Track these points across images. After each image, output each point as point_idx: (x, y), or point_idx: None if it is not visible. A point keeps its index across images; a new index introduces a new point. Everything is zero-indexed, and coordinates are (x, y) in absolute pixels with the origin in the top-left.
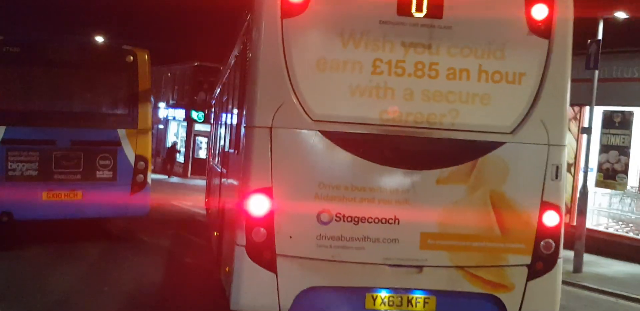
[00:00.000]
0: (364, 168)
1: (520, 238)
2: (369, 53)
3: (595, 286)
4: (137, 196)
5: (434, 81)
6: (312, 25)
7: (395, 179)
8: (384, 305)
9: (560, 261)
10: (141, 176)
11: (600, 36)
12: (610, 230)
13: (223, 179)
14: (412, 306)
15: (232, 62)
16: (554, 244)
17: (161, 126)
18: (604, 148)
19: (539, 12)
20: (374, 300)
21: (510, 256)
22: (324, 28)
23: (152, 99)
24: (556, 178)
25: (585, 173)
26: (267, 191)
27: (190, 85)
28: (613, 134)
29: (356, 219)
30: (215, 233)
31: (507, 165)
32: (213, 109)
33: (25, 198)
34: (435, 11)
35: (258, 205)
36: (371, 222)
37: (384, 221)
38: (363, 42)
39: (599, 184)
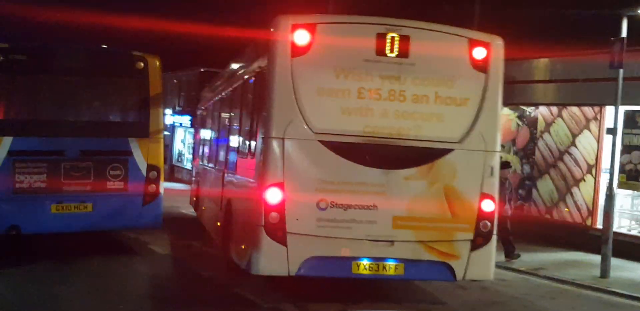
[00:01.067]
0: (351, 168)
1: (465, 220)
2: (355, 83)
3: (626, 292)
4: (149, 207)
5: (403, 104)
6: (314, 62)
7: (374, 176)
8: (366, 270)
9: (494, 237)
10: (153, 186)
11: (624, 34)
12: (634, 232)
13: (231, 178)
14: (386, 270)
15: (240, 83)
16: (489, 224)
17: (167, 133)
18: (627, 149)
19: (479, 53)
20: (358, 266)
21: (458, 233)
22: (322, 64)
23: (163, 107)
24: (491, 175)
25: (611, 174)
26: (280, 185)
27: (196, 91)
28: (636, 135)
29: (345, 206)
30: (219, 224)
31: (456, 166)
32: (206, 119)
33: (33, 210)
34: (404, 52)
35: (273, 195)
36: (356, 208)
37: (365, 207)
38: (351, 75)
39: (621, 185)
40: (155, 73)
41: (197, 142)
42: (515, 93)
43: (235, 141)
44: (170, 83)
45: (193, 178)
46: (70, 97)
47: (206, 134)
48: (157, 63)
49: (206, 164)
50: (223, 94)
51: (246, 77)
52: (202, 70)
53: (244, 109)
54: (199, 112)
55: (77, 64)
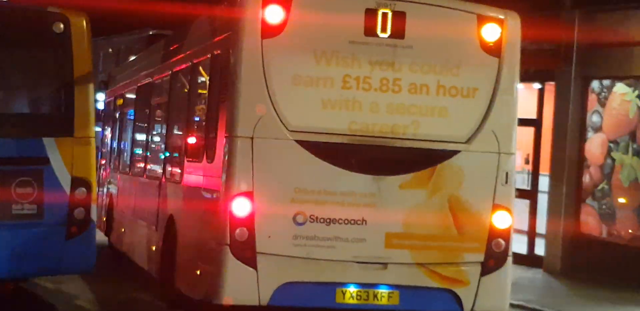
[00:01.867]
0: (335, 174)
1: (474, 238)
2: (339, 70)
3: None
4: (76, 241)
5: (397, 95)
6: (289, 45)
7: (363, 184)
8: (352, 298)
9: (509, 259)
10: (81, 209)
11: None
12: None
13: (174, 189)
14: (378, 300)
15: (187, 67)
16: (504, 243)
17: (99, 129)
18: None
19: (491, 33)
20: (344, 294)
21: (465, 254)
22: (299, 47)
23: (94, 90)
24: (506, 183)
25: None
26: (249, 195)
27: None
28: None
29: (328, 220)
30: (154, 248)
31: (463, 171)
32: (124, 110)
33: None
34: (398, 32)
35: (241, 207)
36: (341, 223)
37: (352, 222)
38: (334, 60)
39: None
40: (81, 39)
41: (107, 144)
42: (635, 60)
43: (178, 141)
44: (104, 53)
45: (99, 191)
46: None
47: (125, 132)
48: (85, 24)
49: (125, 173)
50: (156, 78)
51: (198, 59)
52: (150, 33)
53: (195, 101)
54: (108, 100)
55: None
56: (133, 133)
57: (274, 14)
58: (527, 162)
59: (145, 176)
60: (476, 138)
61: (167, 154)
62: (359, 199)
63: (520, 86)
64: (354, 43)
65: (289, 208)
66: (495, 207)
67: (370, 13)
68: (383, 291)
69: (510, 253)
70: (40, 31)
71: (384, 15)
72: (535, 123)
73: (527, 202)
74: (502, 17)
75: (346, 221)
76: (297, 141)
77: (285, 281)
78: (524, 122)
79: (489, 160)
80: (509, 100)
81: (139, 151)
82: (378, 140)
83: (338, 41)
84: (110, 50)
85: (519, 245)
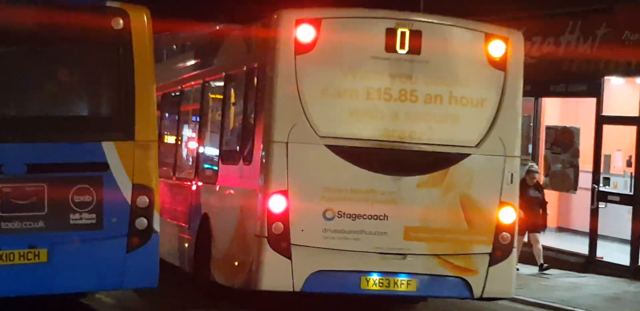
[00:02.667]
0: (359, 174)
1: (483, 231)
2: (364, 82)
3: None
4: (138, 254)
5: (415, 105)
6: (319, 61)
7: (384, 183)
8: (375, 285)
9: (514, 250)
10: (143, 219)
11: None
12: None
13: (208, 189)
14: (398, 286)
15: (224, 78)
16: (509, 236)
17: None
18: None
19: (497, 49)
20: (367, 281)
21: (475, 246)
22: (328, 63)
23: (155, 91)
24: (511, 182)
25: None
26: (284, 193)
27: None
28: None
29: (353, 215)
30: (187, 245)
31: (473, 172)
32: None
33: None
34: (415, 49)
35: (277, 204)
36: (365, 218)
37: (375, 217)
38: (359, 74)
39: None
40: (142, 35)
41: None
42: None
43: (213, 145)
44: (168, 50)
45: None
46: (7, 80)
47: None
48: (145, 19)
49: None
50: (188, 85)
51: (234, 71)
52: (217, 28)
53: (233, 109)
54: None
55: (13, 26)
56: (166, 137)
57: (305, 33)
58: (629, 164)
59: (175, 178)
60: (484, 143)
61: (199, 157)
62: (380, 197)
63: (621, 81)
64: (376, 58)
65: (319, 205)
66: (502, 204)
67: (391, 32)
68: (402, 279)
69: (515, 245)
70: (97, 27)
71: (402, 34)
72: (637, 121)
73: (629, 208)
74: (507, 35)
75: (369, 217)
76: (326, 146)
77: (316, 269)
78: (623, 120)
79: (496, 162)
80: (514, 109)
81: (171, 154)
82: (397, 144)
83: (362, 57)
84: (174, 47)
85: (621, 256)
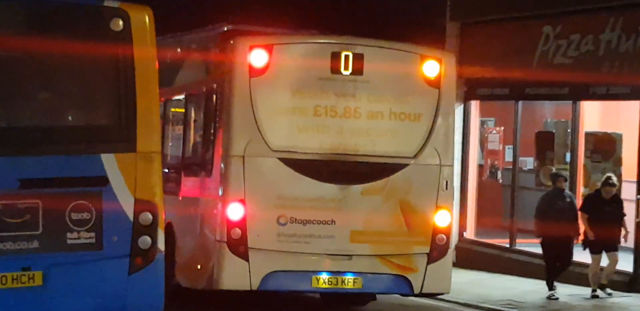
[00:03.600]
0: (309, 184)
1: (421, 233)
2: (311, 101)
3: None
4: (141, 275)
5: (358, 121)
6: (271, 82)
7: (332, 191)
8: (325, 284)
9: (450, 250)
10: (146, 238)
11: None
12: None
13: (169, 199)
14: (345, 284)
15: (184, 96)
16: (445, 237)
17: None
18: None
19: (431, 69)
20: (318, 280)
21: (414, 246)
22: (280, 84)
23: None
24: (446, 189)
25: None
26: (242, 202)
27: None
28: None
29: (304, 221)
30: None
31: (411, 180)
32: None
33: None
34: (358, 70)
35: (235, 212)
36: (315, 223)
37: (324, 222)
38: (307, 94)
39: None
40: (143, 38)
41: None
42: None
43: (176, 159)
44: (171, 54)
45: None
46: None
47: None
48: (147, 20)
49: None
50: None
51: (196, 92)
52: (225, 29)
53: (194, 126)
54: None
55: (7, 25)
56: None
57: (258, 58)
58: None
59: None
60: (421, 154)
61: (166, 170)
62: (328, 204)
63: None
64: (323, 79)
65: (273, 212)
66: (438, 208)
67: (335, 55)
68: (349, 278)
69: (450, 246)
70: (95, 29)
71: (346, 56)
72: None
73: None
74: (440, 56)
75: (318, 222)
76: (278, 159)
77: (271, 270)
78: None
79: (432, 171)
80: (447, 122)
81: None
82: (343, 157)
83: (310, 78)
84: (178, 50)
85: None
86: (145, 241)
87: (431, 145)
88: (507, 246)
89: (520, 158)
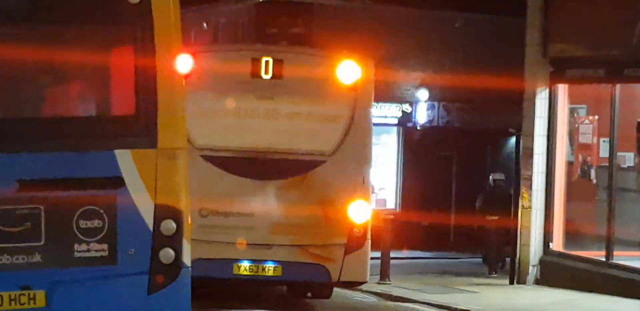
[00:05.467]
0: (231, 179)
1: (339, 225)
2: (233, 104)
3: None
4: (163, 295)
5: (277, 121)
6: (196, 86)
7: (252, 186)
8: (246, 271)
9: (368, 241)
10: (169, 251)
11: None
12: None
13: None
14: (266, 272)
15: None
16: (362, 229)
17: None
18: None
19: (348, 73)
20: (239, 267)
21: (332, 238)
22: (204, 88)
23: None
24: (363, 183)
25: None
26: None
27: (250, 42)
28: None
29: (226, 213)
30: None
31: (329, 176)
32: None
33: None
34: (277, 74)
35: None
36: (235, 215)
37: (244, 214)
38: (229, 97)
39: None
40: (165, 11)
41: None
42: None
43: None
44: (197, 30)
45: None
46: None
47: None
48: None
49: None
50: None
51: None
52: (260, 0)
53: None
54: None
55: (6, 8)
56: None
57: (182, 65)
58: None
59: None
60: (338, 151)
61: None
62: (249, 198)
63: None
64: (243, 83)
65: (196, 205)
66: (355, 202)
67: (256, 61)
68: (269, 266)
69: (368, 237)
70: (109, 2)
71: (267, 62)
72: None
73: None
74: (357, 60)
75: (239, 214)
76: (201, 156)
77: (195, 257)
78: None
79: (349, 167)
80: (364, 123)
81: None
82: (263, 154)
83: (232, 82)
84: (205, 25)
85: None
86: (167, 254)
87: (348, 143)
88: (603, 259)
89: (618, 153)
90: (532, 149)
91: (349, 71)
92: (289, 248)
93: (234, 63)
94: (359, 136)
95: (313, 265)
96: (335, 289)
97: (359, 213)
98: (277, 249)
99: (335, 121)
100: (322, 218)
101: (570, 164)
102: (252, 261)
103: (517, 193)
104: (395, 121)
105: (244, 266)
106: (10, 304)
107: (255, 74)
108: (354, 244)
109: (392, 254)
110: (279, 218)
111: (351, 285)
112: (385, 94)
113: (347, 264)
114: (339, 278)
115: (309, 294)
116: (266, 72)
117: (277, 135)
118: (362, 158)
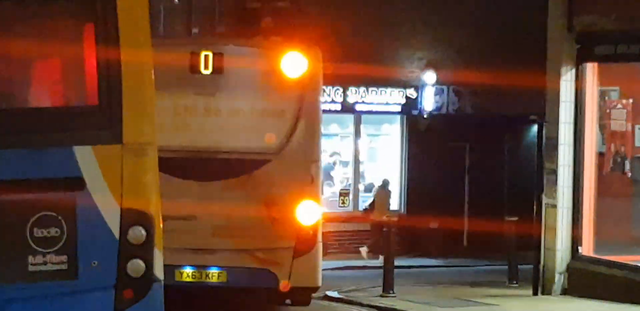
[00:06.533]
0: (170, 181)
1: (286, 228)
2: (172, 101)
3: None
4: None
5: (219, 119)
6: None
7: (193, 188)
8: (189, 277)
9: (319, 244)
10: (139, 263)
11: None
12: None
13: None
14: (209, 278)
15: None
16: (312, 231)
17: None
18: None
19: (294, 65)
20: (181, 274)
21: (279, 241)
22: None
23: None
24: (312, 183)
25: None
26: None
27: (232, 18)
28: None
29: (166, 217)
30: None
31: (275, 175)
32: None
33: None
34: (218, 69)
35: None
36: (176, 219)
37: (185, 218)
38: (167, 94)
39: None
40: None
41: None
42: None
43: None
44: (167, 7)
45: None
46: None
47: None
48: None
49: None
50: None
51: None
52: None
53: None
54: None
55: None
56: None
57: None
58: None
59: None
60: (285, 149)
61: None
62: (189, 200)
63: None
64: (182, 80)
65: None
66: (303, 203)
67: (194, 55)
68: (213, 272)
69: (319, 239)
70: None
71: (206, 56)
72: None
73: None
74: (303, 51)
75: (180, 218)
76: None
77: None
78: None
79: (297, 166)
80: (312, 118)
81: None
82: (205, 154)
83: (169, 78)
84: (176, 0)
85: None
86: (136, 266)
87: (295, 140)
88: None
89: None
90: (556, 138)
91: (294, 63)
92: (233, 253)
93: (172, 58)
94: (306, 133)
95: (259, 269)
96: (331, 303)
97: (308, 214)
98: (221, 254)
99: (281, 116)
100: (268, 220)
101: (600, 155)
102: (195, 267)
103: (540, 190)
104: (399, 109)
105: (187, 273)
106: None
107: (194, 69)
108: (302, 247)
109: (396, 263)
110: (223, 221)
111: (303, 293)
112: (386, 78)
113: (296, 268)
114: (287, 283)
115: (288, 301)
116: (206, 67)
117: (219, 133)
118: (310, 156)
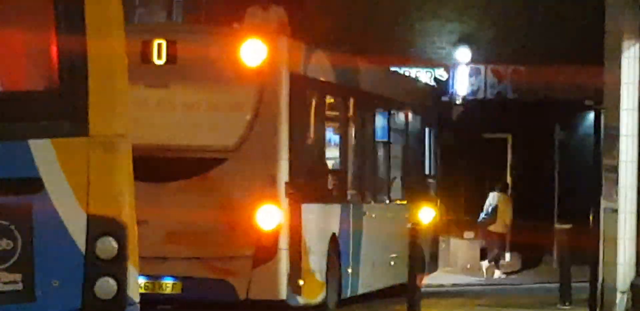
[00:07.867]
0: None
1: (244, 234)
2: None
3: None
4: None
5: (172, 113)
6: None
7: (143, 190)
8: (141, 288)
9: (282, 251)
10: (109, 281)
11: None
12: None
13: None
14: (163, 289)
15: None
16: (273, 237)
17: None
18: None
19: (254, 53)
20: None
21: (237, 248)
22: None
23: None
24: (273, 183)
25: None
26: None
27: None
28: None
29: None
30: None
31: (233, 176)
32: None
33: None
34: (171, 59)
35: None
36: None
37: (136, 223)
38: None
39: None
40: None
41: None
42: None
43: None
44: None
45: None
46: None
47: None
48: None
49: None
50: None
51: None
52: None
53: None
54: None
55: None
56: None
57: None
58: None
59: None
60: (243, 146)
61: None
62: (140, 203)
63: None
64: (133, 70)
65: None
66: (263, 206)
67: (146, 44)
68: (167, 282)
69: (282, 247)
70: None
71: (159, 45)
72: None
73: None
74: (266, 39)
75: None
76: None
77: None
78: None
79: (256, 165)
80: (274, 111)
81: None
82: (156, 153)
83: None
84: None
85: None
86: (106, 286)
87: (254, 136)
88: None
89: None
90: (617, 128)
91: (253, 51)
92: (187, 261)
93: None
94: (267, 127)
95: (216, 280)
96: None
97: (268, 218)
98: (174, 263)
99: (239, 110)
100: (225, 225)
101: None
102: (147, 276)
103: (598, 191)
104: None
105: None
106: None
107: (146, 59)
108: (262, 255)
109: (426, 280)
110: (176, 226)
111: (262, 303)
112: (410, 56)
113: (256, 279)
114: (247, 295)
115: None
116: (159, 56)
117: (172, 129)
118: (272, 153)
